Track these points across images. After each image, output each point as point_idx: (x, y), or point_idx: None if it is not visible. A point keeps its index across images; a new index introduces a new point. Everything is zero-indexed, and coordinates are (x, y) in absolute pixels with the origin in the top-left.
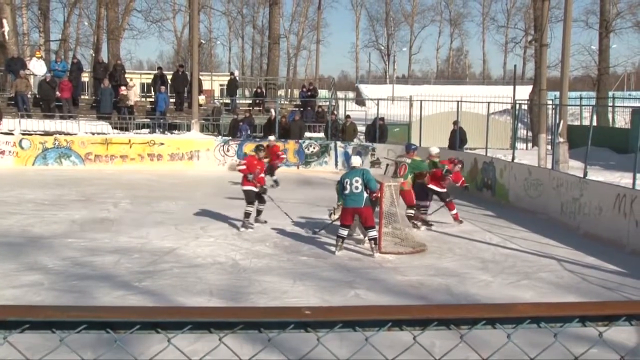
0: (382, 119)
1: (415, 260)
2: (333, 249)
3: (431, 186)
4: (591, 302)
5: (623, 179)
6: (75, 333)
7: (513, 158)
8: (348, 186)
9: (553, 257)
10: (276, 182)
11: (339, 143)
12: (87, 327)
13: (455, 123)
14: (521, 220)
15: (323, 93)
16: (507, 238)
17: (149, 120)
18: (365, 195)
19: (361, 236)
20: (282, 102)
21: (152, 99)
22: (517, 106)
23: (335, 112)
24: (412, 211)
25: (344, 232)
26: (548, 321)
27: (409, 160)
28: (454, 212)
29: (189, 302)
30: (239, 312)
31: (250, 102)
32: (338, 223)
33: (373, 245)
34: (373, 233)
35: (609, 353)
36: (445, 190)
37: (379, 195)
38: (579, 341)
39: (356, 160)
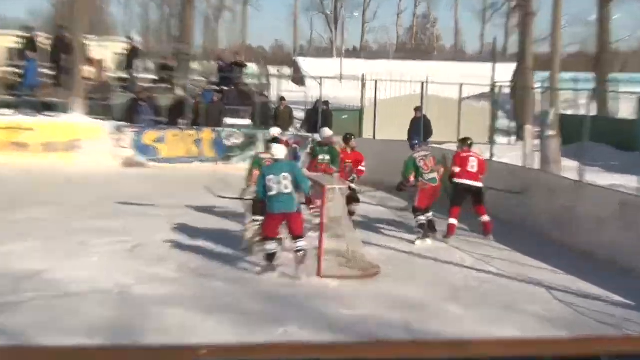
0: (327, 102)
1: (366, 288)
2: (258, 270)
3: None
4: (567, 338)
5: (628, 183)
6: None
7: (491, 155)
8: (274, 185)
9: (540, 284)
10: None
11: (272, 130)
12: None
13: (418, 109)
14: (501, 235)
15: (251, 68)
16: (482, 258)
17: (13, 97)
18: (296, 196)
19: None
20: (197, 78)
21: (19, 70)
22: (498, 89)
23: (266, 93)
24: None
25: (272, 247)
26: None
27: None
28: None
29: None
30: (119, 354)
31: (155, 77)
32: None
33: (299, 262)
34: (302, 243)
35: None
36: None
37: (320, 202)
38: None
39: (278, 150)
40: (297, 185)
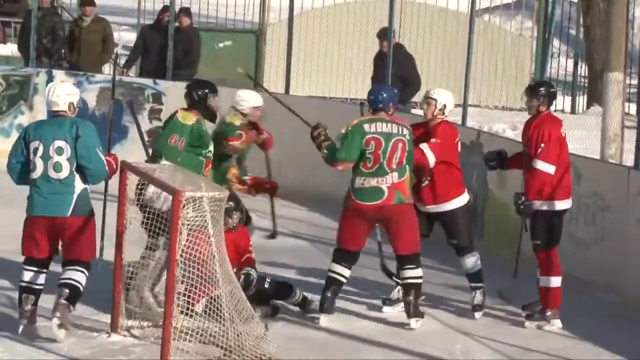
0: (187, 12)
1: None
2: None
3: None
4: None
5: None
6: None
7: None
8: (39, 161)
9: None
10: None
11: (59, 73)
12: None
13: (383, 35)
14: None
15: None
16: None
17: None
18: (80, 188)
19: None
20: None
21: None
22: None
23: None
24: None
25: (29, 277)
26: None
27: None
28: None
29: None
30: None
31: None
32: None
33: (56, 312)
34: (76, 276)
35: None
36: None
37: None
38: None
39: (56, 92)
40: (81, 167)
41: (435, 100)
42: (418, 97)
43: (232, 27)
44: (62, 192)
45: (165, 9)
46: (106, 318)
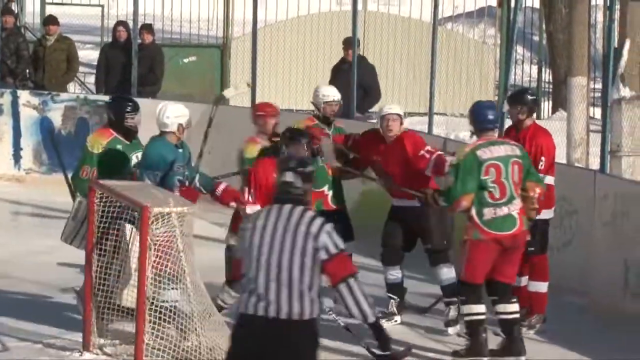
0: (149, 28)
1: None
2: None
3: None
4: None
5: None
6: None
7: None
8: None
9: None
10: None
11: (24, 94)
12: None
13: (349, 44)
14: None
15: None
16: None
17: None
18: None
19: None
20: None
21: None
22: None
23: (14, 7)
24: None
25: None
26: None
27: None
28: None
29: None
30: None
31: None
32: None
33: None
34: None
35: None
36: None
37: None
38: None
39: (169, 113)
40: None
41: (400, 116)
42: (377, 107)
43: (196, 42)
44: None
45: (119, 23)
46: (78, 337)
